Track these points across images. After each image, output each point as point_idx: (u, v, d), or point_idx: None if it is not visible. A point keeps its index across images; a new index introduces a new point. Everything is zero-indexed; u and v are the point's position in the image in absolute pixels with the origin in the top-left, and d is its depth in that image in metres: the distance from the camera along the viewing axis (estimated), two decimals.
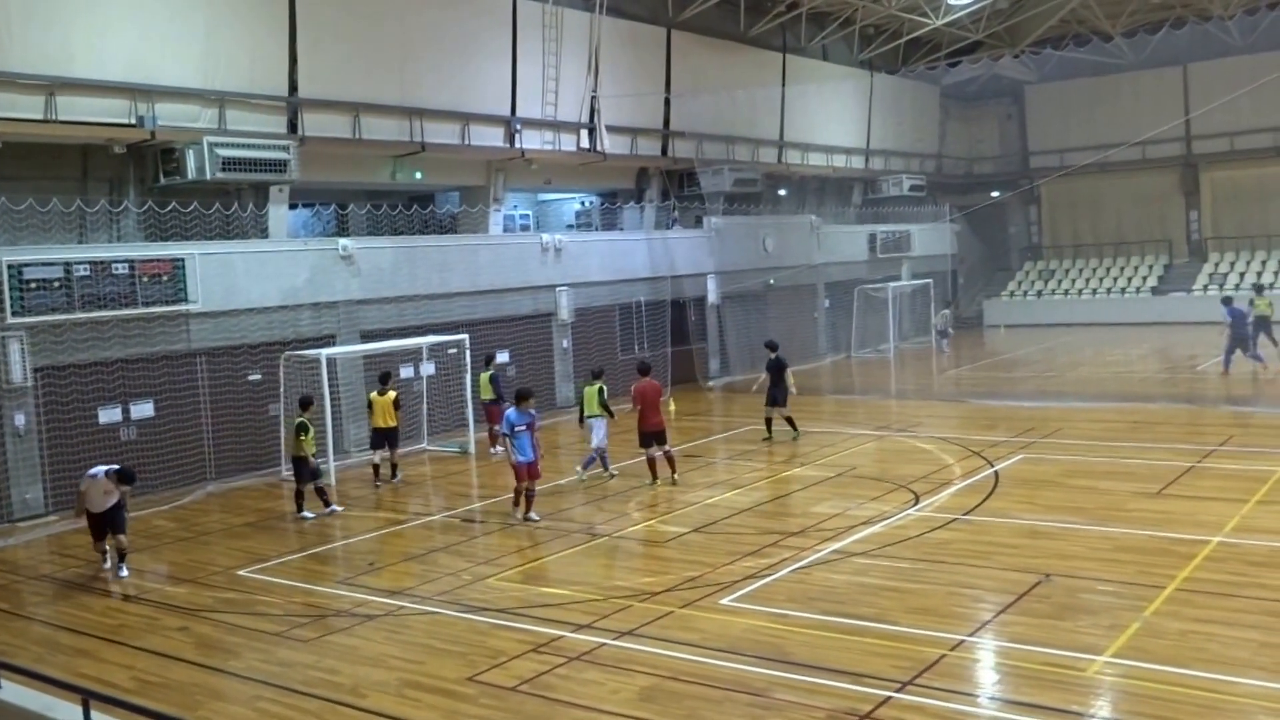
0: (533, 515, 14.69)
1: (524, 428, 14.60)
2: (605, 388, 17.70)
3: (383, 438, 18.10)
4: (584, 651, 9.66)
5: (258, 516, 16.20)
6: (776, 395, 19.99)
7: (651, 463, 16.79)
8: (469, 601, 11.31)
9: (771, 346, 20.59)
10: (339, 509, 16.00)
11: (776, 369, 20.03)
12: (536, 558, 12.96)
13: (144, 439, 17.91)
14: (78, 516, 13.57)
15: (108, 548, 13.35)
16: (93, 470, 13.30)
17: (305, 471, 15.77)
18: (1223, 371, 25.51)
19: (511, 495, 15.12)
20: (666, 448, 16.96)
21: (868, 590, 11.05)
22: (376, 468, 18.25)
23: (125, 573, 13.13)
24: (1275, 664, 8.63)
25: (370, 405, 18.22)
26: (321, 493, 15.95)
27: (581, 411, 17.81)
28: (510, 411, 14.82)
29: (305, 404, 16.29)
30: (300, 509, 15.84)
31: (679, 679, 8.93)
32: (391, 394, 18.12)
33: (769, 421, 20.29)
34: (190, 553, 14.19)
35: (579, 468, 17.64)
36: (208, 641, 10.58)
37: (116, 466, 13.51)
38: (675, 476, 16.71)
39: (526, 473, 14.63)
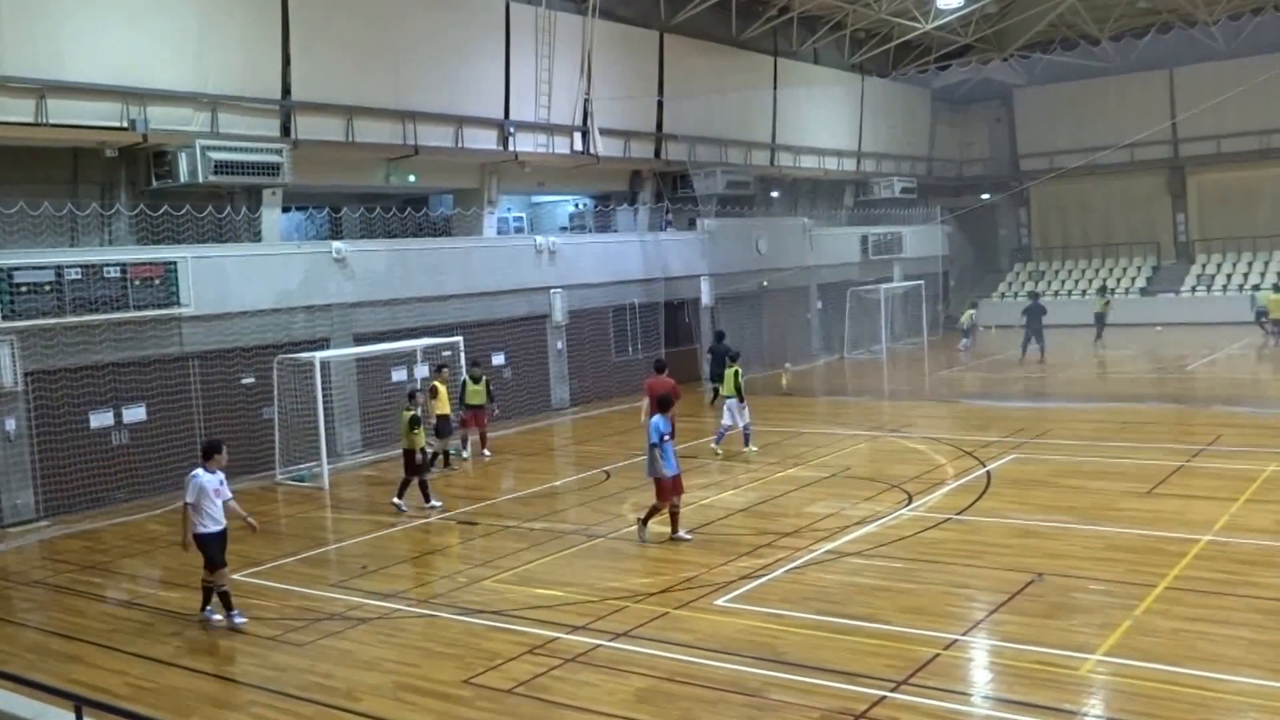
0: (682, 534, 13.30)
1: (670, 436, 13.42)
2: (740, 370, 19.01)
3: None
4: (580, 653, 9.68)
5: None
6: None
7: None
8: (464, 604, 11.32)
9: (719, 336, 22.19)
10: (439, 504, 15.98)
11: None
12: (532, 560, 12.96)
13: (136, 443, 17.87)
14: (190, 545, 10.93)
15: (223, 584, 10.99)
16: (193, 473, 10.95)
17: (416, 464, 15.90)
18: (1020, 358, 30.15)
19: (646, 512, 13.59)
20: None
21: (862, 590, 11.09)
22: (450, 454, 18.87)
23: (242, 618, 10.93)
24: (1266, 661, 8.70)
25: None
26: (424, 486, 16.03)
27: (717, 392, 19.01)
28: (657, 419, 13.41)
29: (414, 396, 16.48)
30: (428, 499, 15.94)
31: (674, 680, 8.96)
32: (439, 386, 18.75)
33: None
34: (184, 557, 13.93)
35: (747, 445, 18.88)
36: (202, 646, 10.56)
37: (202, 446, 11.29)
38: None
39: (678, 487, 13.43)
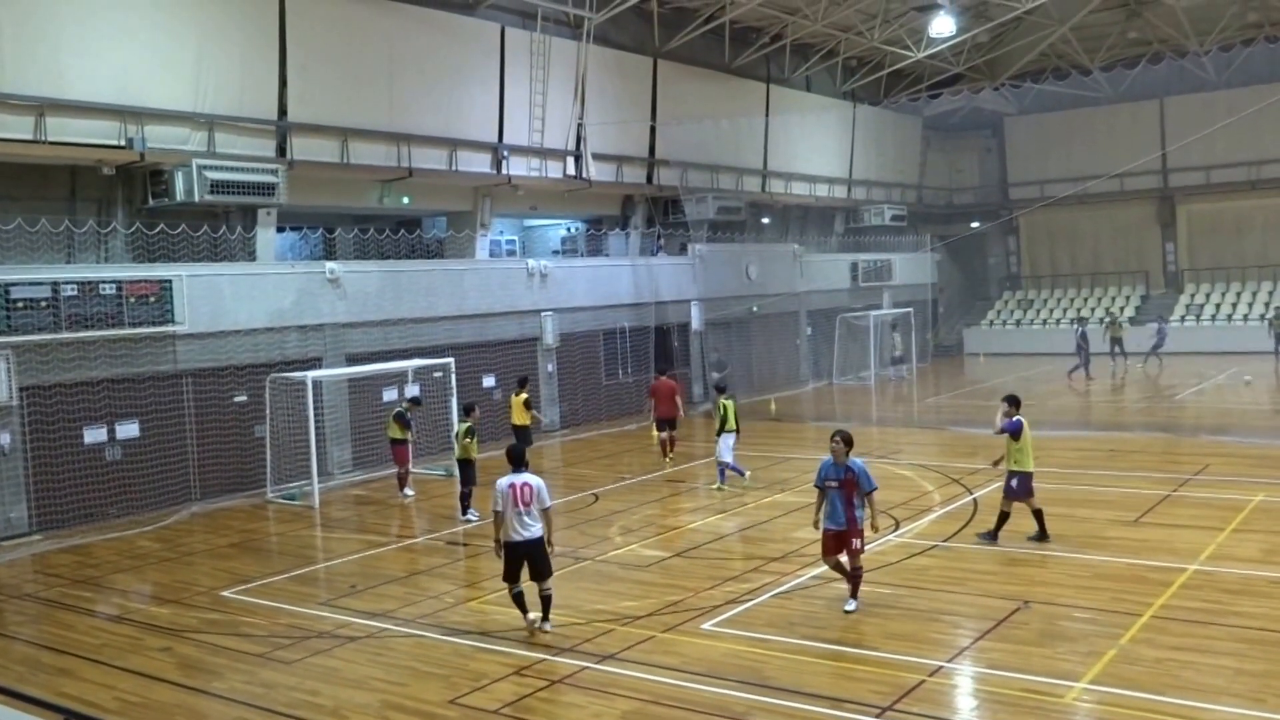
0: (849, 605, 11.13)
1: (835, 483, 10.99)
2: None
3: (515, 433, 19.37)
4: (566, 675, 9.73)
5: (242, 537, 16.19)
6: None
7: (663, 444, 20.31)
8: (451, 624, 11.36)
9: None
10: (475, 518, 16.33)
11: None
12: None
13: (129, 459, 17.90)
14: (501, 550, 10.82)
15: (523, 590, 10.86)
16: (539, 484, 10.71)
17: (471, 474, 16.46)
18: (1087, 379, 32.08)
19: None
20: (673, 433, 20.34)
21: (848, 616, 11.15)
22: None
23: (549, 625, 10.81)
24: (1250, 691, 8.76)
25: (510, 404, 20.25)
26: (465, 498, 16.61)
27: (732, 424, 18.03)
28: (826, 460, 11.25)
29: (469, 410, 17.00)
30: (465, 510, 16.47)
31: (660, 703, 9.00)
32: (524, 395, 20.08)
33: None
34: (174, 573, 14.17)
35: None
36: (190, 662, 10.58)
37: (518, 468, 10.87)
38: (670, 454, 20.16)
39: (834, 545, 11.13)
